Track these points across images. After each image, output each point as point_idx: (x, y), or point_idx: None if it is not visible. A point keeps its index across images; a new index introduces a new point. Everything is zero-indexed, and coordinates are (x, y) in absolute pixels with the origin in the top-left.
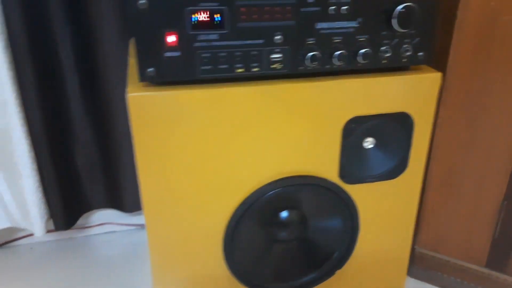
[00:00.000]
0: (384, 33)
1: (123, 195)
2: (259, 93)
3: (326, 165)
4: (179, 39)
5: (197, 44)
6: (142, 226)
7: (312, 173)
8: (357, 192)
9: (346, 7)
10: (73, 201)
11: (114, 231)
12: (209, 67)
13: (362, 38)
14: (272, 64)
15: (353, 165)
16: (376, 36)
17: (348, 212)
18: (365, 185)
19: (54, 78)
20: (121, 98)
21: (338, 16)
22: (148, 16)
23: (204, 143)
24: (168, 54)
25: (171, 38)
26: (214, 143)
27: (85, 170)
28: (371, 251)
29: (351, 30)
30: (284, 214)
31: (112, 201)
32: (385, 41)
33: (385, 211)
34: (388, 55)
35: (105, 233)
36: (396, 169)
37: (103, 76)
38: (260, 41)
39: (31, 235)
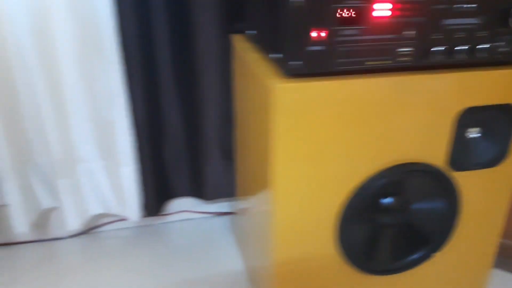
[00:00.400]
0: (501, 29)
1: (204, 184)
2: (387, 84)
3: (436, 153)
4: (325, 34)
5: (338, 38)
6: (216, 214)
7: (422, 160)
8: (462, 179)
9: (470, 5)
10: (162, 189)
11: (190, 219)
12: (345, 60)
13: (481, 34)
14: (400, 57)
15: (461, 153)
16: (493, 33)
17: (453, 198)
18: (469, 173)
19: (154, 73)
20: (213, 93)
21: (463, 14)
22: (300, 13)
23: (332, 130)
24: (313, 48)
25: (317, 33)
26: (339, 131)
27: (173, 160)
28: (466, 238)
29: (473, 26)
30: (390, 199)
31: (194, 190)
32: (501, 37)
33: (483, 198)
34: (503, 50)
35: (181, 220)
36: (498, 158)
37: (198, 71)
38: (392, 36)
39: (112, 222)
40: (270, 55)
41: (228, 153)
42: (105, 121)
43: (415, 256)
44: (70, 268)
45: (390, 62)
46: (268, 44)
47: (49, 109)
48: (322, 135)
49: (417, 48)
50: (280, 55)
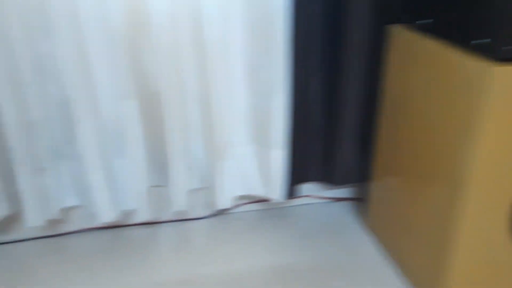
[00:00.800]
0: None
1: (335, 168)
2: None
3: None
4: None
5: None
6: (336, 199)
7: None
8: None
9: None
10: (299, 173)
11: (311, 203)
12: None
13: None
14: None
15: None
16: None
17: None
18: None
19: (308, 64)
20: (353, 85)
21: None
22: None
23: None
24: None
25: None
26: None
27: (310, 145)
28: None
29: None
30: None
31: (325, 175)
32: None
33: None
34: None
35: (302, 205)
36: None
37: (347, 62)
38: None
39: (245, 204)
40: (473, 42)
41: (364, 140)
42: (263, 110)
43: None
44: (201, 247)
45: None
46: (458, 31)
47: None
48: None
49: None
50: (488, 40)
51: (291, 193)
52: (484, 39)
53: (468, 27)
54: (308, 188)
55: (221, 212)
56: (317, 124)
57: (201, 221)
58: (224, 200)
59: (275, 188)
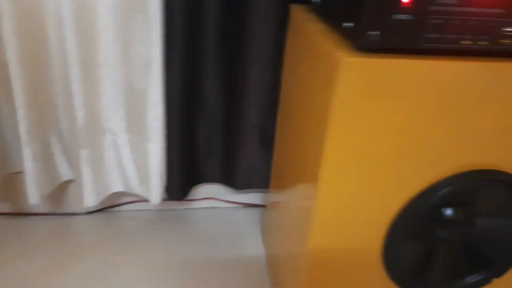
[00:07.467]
0: None
1: (236, 172)
2: (484, 72)
3: None
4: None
5: (431, 7)
6: (245, 205)
7: (495, 167)
8: None
9: None
10: (190, 172)
11: (216, 207)
12: (435, 35)
13: None
14: (503, 39)
15: None
16: None
17: None
18: None
19: (197, 42)
20: (261, 71)
21: None
22: None
23: (404, 121)
24: (399, 16)
25: None
26: (413, 122)
27: (205, 143)
28: None
29: None
30: (453, 212)
31: (224, 177)
32: None
33: None
34: None
35: (207, 208)
36: None
37: (247, 45)
38: (499, 11)
39: (134, 202)
40: (344, 24)
41: (267, 142)
42: (137, 90)
43: (471, 279)
44: (83, 246)
45: (486, 43)
46: (337, 12)
47: (78, 71)
48: (391, 126)
49: None
50: (353, 24)
51: (179, 194)
52: (351, 23)
53: (341, 8)
54: (217, 191)
55: (107, 209)
56: (211, 117)
57: (83, 216)
58: (94, 195)
59: (154, 187)
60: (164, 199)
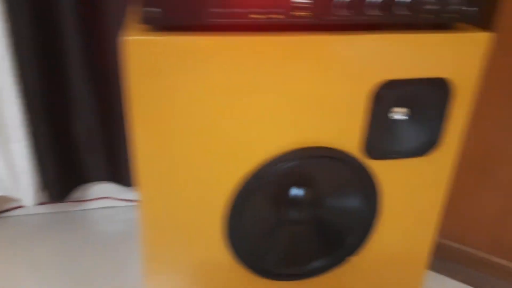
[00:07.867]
0: None
1: (123, 167)
2: (274, 45)
3: (348, 136)
4: None
5: None
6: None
7: (332, 145)
8: (381, 170)
9: None
10: (70, 171)
11: (113, 207)
12: (221, 10)
13: None
14: (295, 11)
15: (380, 138)
16: None
17: (369, 192)
18: (390, 162)
19: (51, 32)
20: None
21: None
22: None
23: (210, 101)
24: None
25: None
26: (221, 102)
27: (83, 139)
28: (390, 239)
29: None
30: (296, 191)
31: (111, 174)
32: None
33: (410, 194)
34: (430, 8)
35: (103, 208)
36: (427, 145)
37: (106, 32)
38: None
39: (20, 207)
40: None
41: None
42: None
43: (321, 261)
44: None
45: (278, 16)
46: None
47: None
48: (201, 107)
49: None
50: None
51: (60, 195)
52: None
53: None
54: (112, 190)
55: None
56: (83, 111)
57: None
58: None
59: (25, 188)
60: (45, 201)
